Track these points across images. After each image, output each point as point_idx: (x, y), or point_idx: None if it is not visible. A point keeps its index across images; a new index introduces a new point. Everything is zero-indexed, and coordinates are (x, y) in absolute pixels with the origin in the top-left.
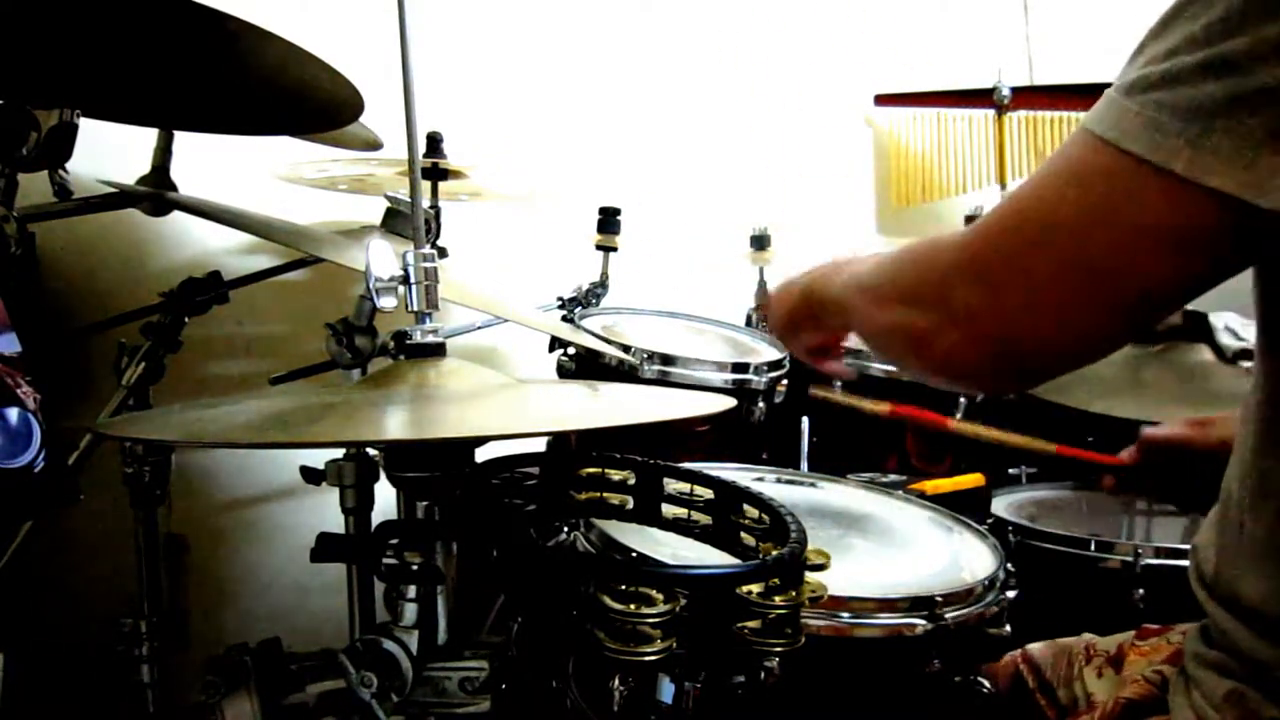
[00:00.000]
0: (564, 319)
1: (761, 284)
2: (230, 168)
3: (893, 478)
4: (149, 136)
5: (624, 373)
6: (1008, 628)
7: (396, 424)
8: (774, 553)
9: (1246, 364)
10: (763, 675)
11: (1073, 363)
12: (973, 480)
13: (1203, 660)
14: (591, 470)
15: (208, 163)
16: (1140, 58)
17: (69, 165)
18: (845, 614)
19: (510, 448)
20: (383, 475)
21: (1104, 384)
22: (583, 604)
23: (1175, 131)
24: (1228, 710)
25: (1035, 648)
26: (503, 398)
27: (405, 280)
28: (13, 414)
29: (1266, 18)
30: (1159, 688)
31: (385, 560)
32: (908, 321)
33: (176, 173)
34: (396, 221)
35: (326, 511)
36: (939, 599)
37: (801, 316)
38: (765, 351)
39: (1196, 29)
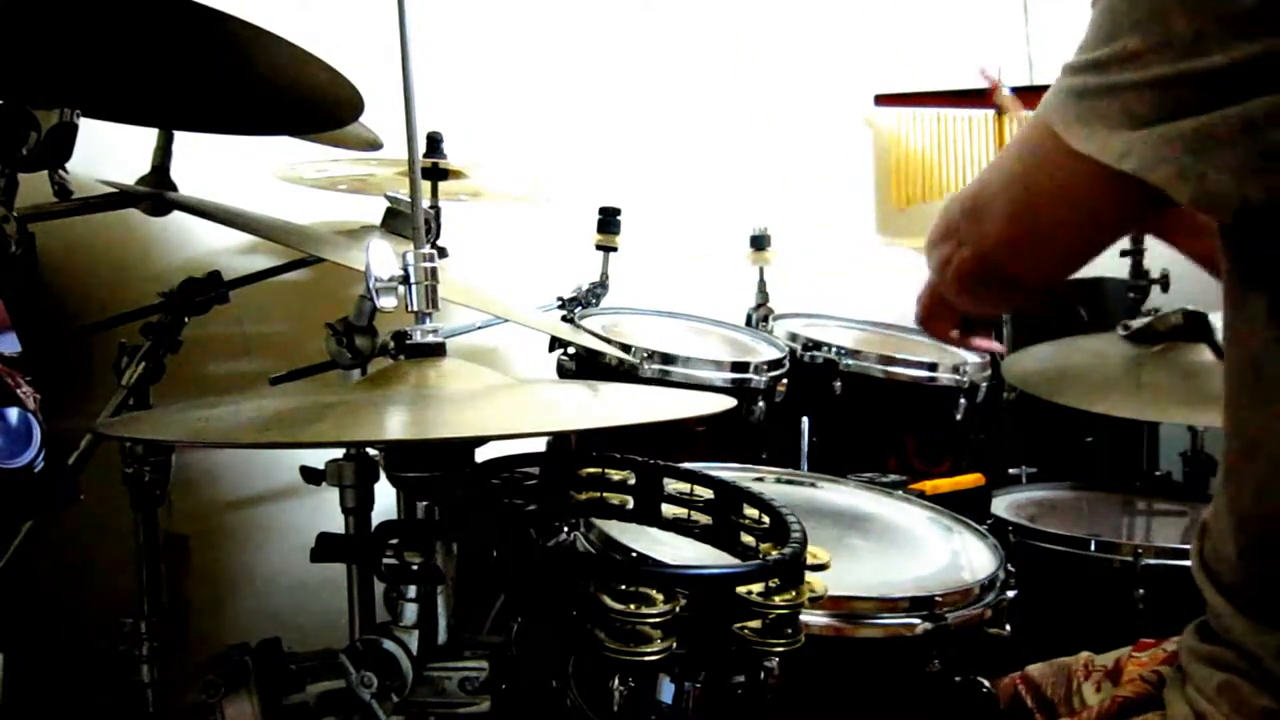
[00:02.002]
0: (564, 319)
1: (761, 284)
2: (230, 168)
3: (893, 478)
4: (149, 136)
5: (624, 373)
6: (1008, 628)
7: (396, 424)
8: (774, 553)
9: None
10: (763, 675)
11: (1039, 278)
12: (973, 480)
13: (1197, 655)
14: (591, 470)
15: (208, 163)
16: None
17: (69, 165)
18: (845, 614)
19: (510, 448)
20: (383, 475)
21: (1104, 384)
22: (583, 604)
23: (1071, 109)
24: (1220, 702)
25: (1034, 668)
26: (503, 398)
27: (405, 280)
28: (13, 414)
29: (1121, 35)
30: (1155, 686)
31: (385, 560)
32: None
33: (176, 173)
34: (396, 221)
35: (326, 511)
36: (939, 599)
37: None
38: (765, 351)
39: (1090, 32)
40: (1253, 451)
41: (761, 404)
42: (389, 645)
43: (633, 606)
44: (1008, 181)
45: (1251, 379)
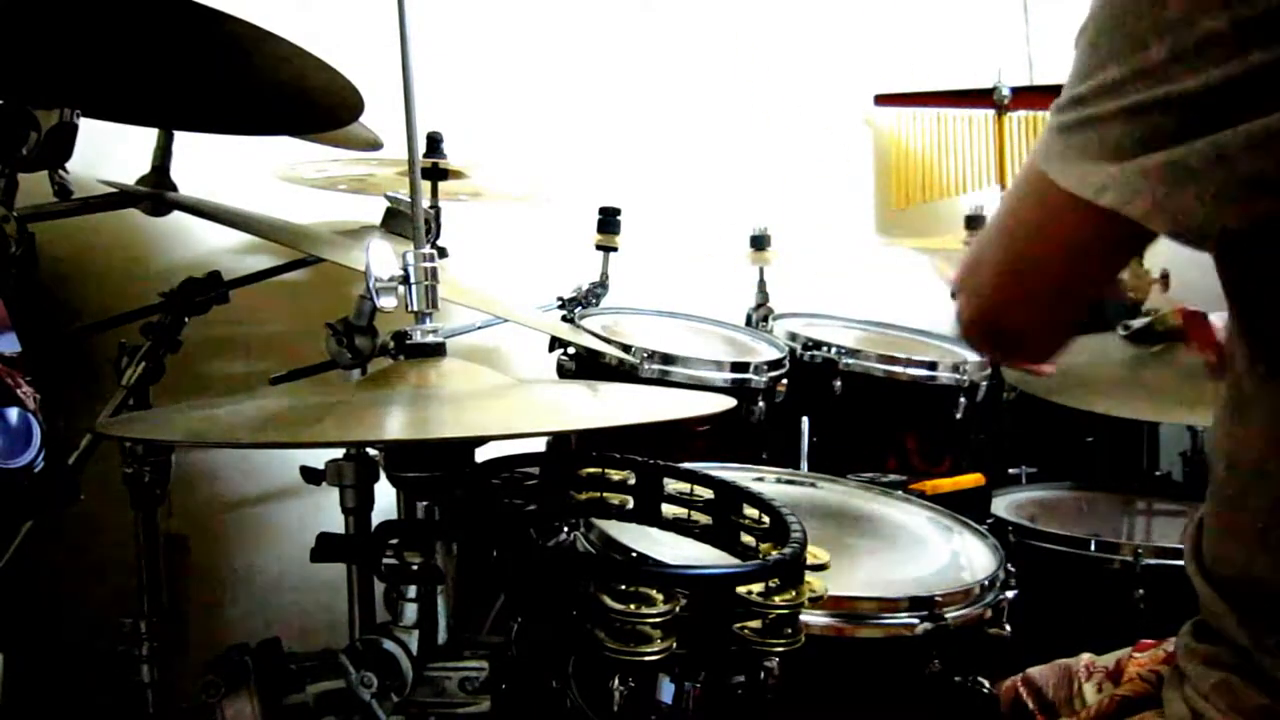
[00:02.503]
0: (564, 319)
1: (761, 284)
2: (230, 168)
3: (893, 478)
4: (149, 136)
5: (624, 373)
6: (1008, 628)
7: (396, 424)
8: (774, 553)
9: None
10: (763, 675)
11: (1032, 339)
12: (973, 480)
13: (1193, 653)
14: (591, 470)
15: (208, 163)
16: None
17: (69, 165)
18: (845, 614)
19: (510, 448)
20: (383, 475)
21: (1104, 384)
22: (583, 604)
23: (1055, 146)
24: (1217, 700)
25: (1035, 670)
26: (503, 398)
27: (405, 280)
28: (13, 414)
29: (1102, 68)
30: (1153, 685)
31: (385, 560)
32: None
33: (176, 173)
34: (396, 221)
35: (326, 511)
36: (939, 599)
37: None
38: (765, 351)
39: (1073, 69)
40: (1235, 461)
41: (761, 404)
42: (389, 645)
43: (633, 606)
44: (1000, 227)
45: (1235, 395)
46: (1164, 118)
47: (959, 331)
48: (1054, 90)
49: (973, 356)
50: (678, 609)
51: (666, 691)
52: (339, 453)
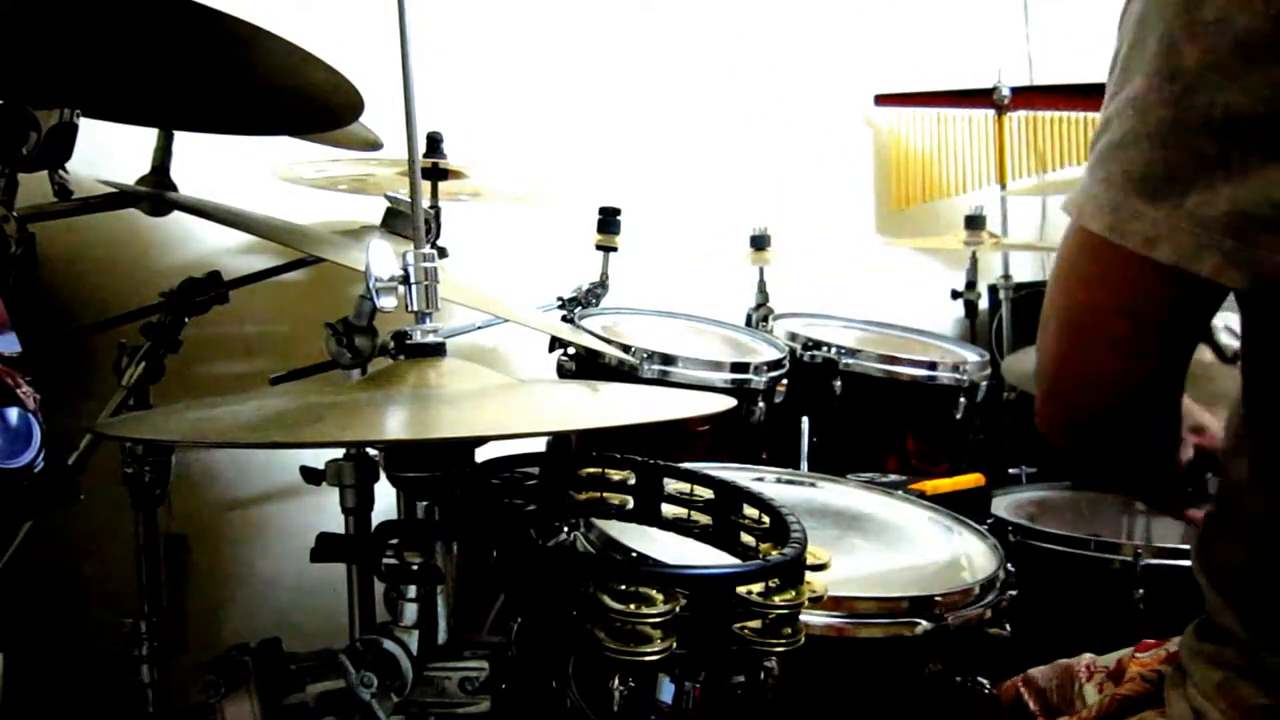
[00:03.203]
0: (564, 319)
1: (761, 284)
2: (230, 168)
3: (893, 478)
4: (149, 136)
5: (624, 373)
6: (1008, 628)
7: (396, 424)
8: (774, 553)
9: None
10: (763, 675)
11: (1102, 411)
12: (973, 480)
13: (1196, 653)
14: (591, 470)
15: (208, 163)
16: None
17: (69, 165)
18: (845, 614)
19: (510, 448)
20: (383, 475)
21: None
22: (583, 604)
23: (1084, 190)
24: (1219, 699)
25: (1036, 671)
26: (503, 398)
27: (405, 280)
28: (13, 414)
29: (1124, 82)
30: (1154, 684)
31: (385, 560)
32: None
33: (176, 173)
34: (396, 221)
35: (326, 511)
36: (939, 599)
37: None
38: (765, 351)
39: (1106, 97)
40: (1243, 459)
41: (761, 404)
42: (389, 645)
43: (633, 606)
44: (1054, 290)
45: (1251, 396)
46: (1204, 140)
47: (1045, 431)
48: (1054, 90)
49: (973, 356)
50: (678, 609)
51: (666, 691)
52: (339, 453)
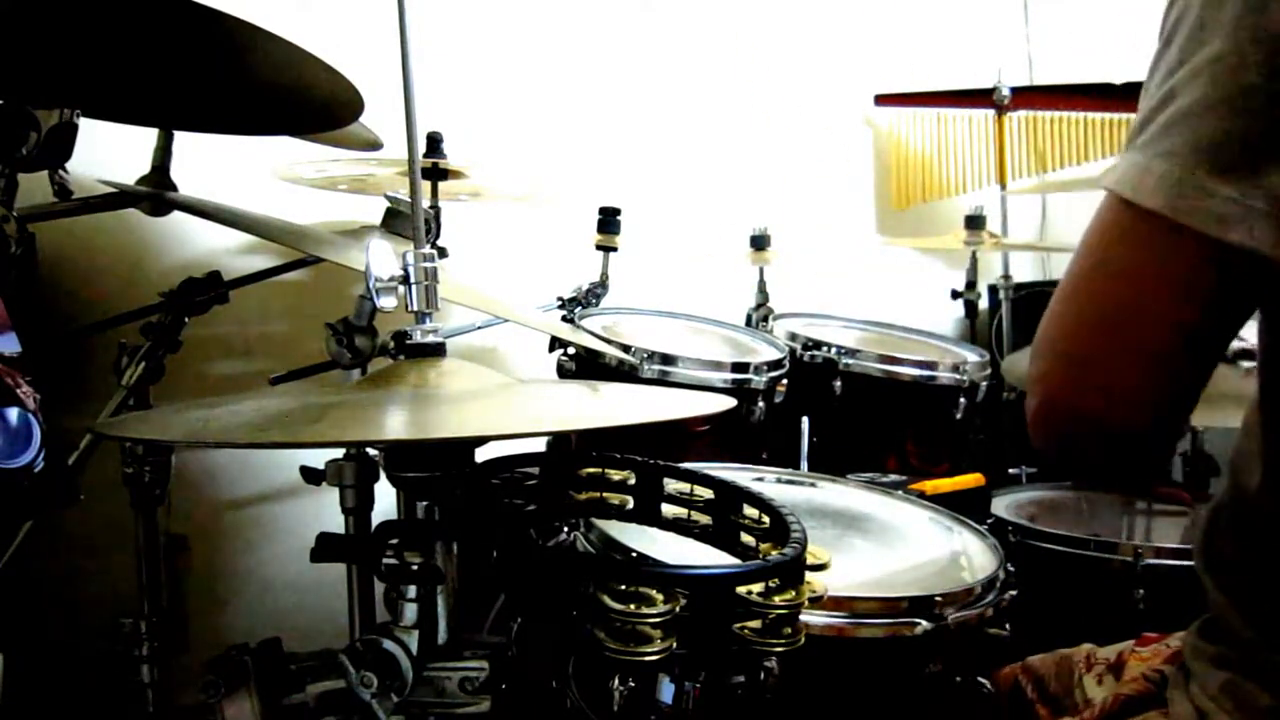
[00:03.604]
0: (564, 319)
1: (761, 284)
2: (230, 168)
3: (893, 478)
4: (149, 136)
5: (624, 373)
6: (1008, 628)
7: (396, 424)
8: (774, 553)
9: (1247, 364)
10: (763, 675)
11: (1118, 428)
12: (973, 480)
13: (1200, 653)
14: (591, 470)
15: (208, 163)
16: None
17: (69, 165)
18: (845, 614)
19: (510, 448)
20: (383, 475)
21: None
22: (583, 604)
23: (1136, 165)
24: (1223, 700)
25: (1035, 659)
26: (503, 398)
27: (405, 280)
28: (13, 414)
29: (1196, 47)
30: (1157, 685)
31: (385, 560)
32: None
33: (176, 173)
34: (396, 221)
35: (326, 511)
36: (939, 599)
37: None
38: (765, 351)
39: (1157, 77)
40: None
41: (761, 404)
42: (389, 645)
43: (633, 606)
44: (1080, 286)
45: (1271, 394)
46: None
47: (1035, 436)
48: (1054, 90)
49: (973, 356)
50: (678, 609)
51: (666, 691)
52: (339, 453)
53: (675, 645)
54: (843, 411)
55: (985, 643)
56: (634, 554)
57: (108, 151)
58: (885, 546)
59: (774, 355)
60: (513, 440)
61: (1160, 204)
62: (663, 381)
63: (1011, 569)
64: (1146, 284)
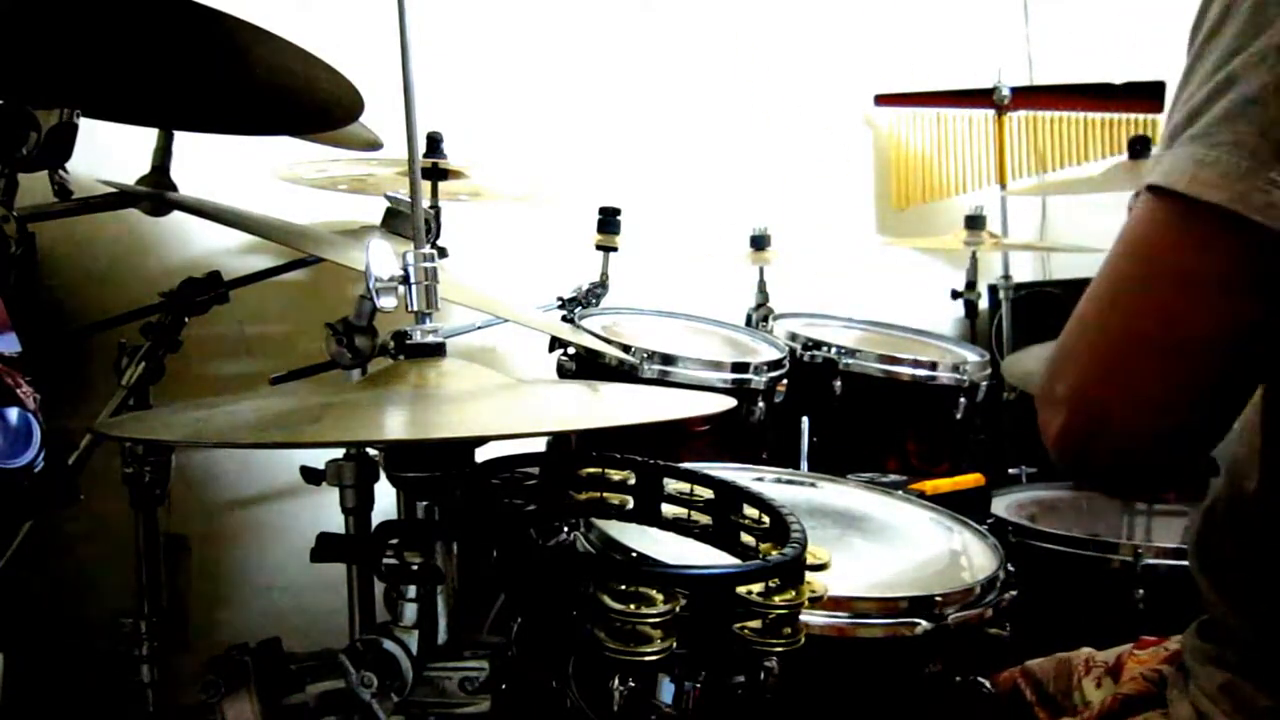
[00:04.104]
0: (564, 319)
1: (761, 284)
2: (230, 168)
3: (893, 478)
4: (149, 136)
5: (624, 373)
6: (1008, 628)
7: (396, 424)
8: (774, 553)
9: None
10: (763, 675)
11: (1161, 444)
12: (973, 480)
13: (1199, 654)
14: (591, 470)
15: (208, 163)
16: (1173, 115)
17: (69, 165)
18: (845, 614)
19: (510, 448)
20: (383, 475)
21: None
22: (583, 604)
23: (1190, 158)
24: (1223, 701)
25: (1034, 663)
26: (503, 398)
27: (405, 280)
28: (13, 414)
29: (1256, 30)
30: (1156, 685)
31: (385, 560)
32: (1042, 419)
33: (176, 173)
34: (396, 221)
35: (326, 511)
36: (939, 599)
37: None
38: (765, 351)
39: (1207, 65)
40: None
41: (761, 404)
42: (389, 645)
43: (633, 606)
44: (1121, 296)
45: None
46: None
47: (1063, 455)
48: (1054, 90)
49: (973, 356)
50: (678, 609)
51: (666, 691)
52: (339, 453)
53: (675, 645)
54: (843, 411)
55: (985, 643)
56: (634, 554)
57: (108, 151)
58: (885, 546)
59: (774, 355)
60: (513, 440)
61: (1225, 197)
62: (663, 381)
63: (1011, 569)
64: (1204, 288)
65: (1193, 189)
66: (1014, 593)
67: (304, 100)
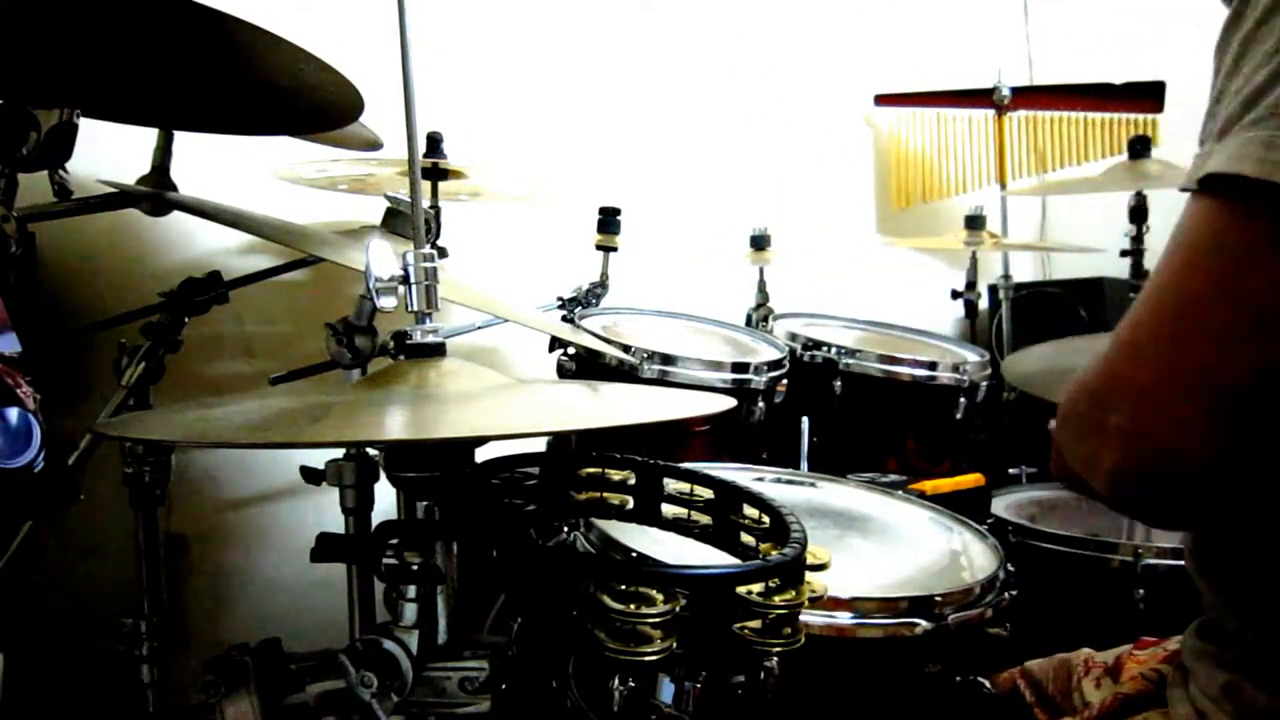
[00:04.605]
0: (564, 319)
1: (761, 284)
2: (230, 168)
3: (893, 478)
4: (149, 136)
5: (624, 373)
6: (1008, 628)
7: (396, 424)
8: (774, 553)
9: None
10: (763, 675)
11: (1237, 482)
12: (973, 480)
13: (1199, 654)
14: (591, 470)
15: (208, 163)
16: (1217, 110)
17: (69, 165)
18: (845, 614)
19: (510, 448)
20: (383, 475)
21: None
22: (583, 604)
23: (1257, 142)
24: (1225, 702)
25: (1033, 663)
26: (503, 398)
27: (405, 280)
28: (13, 414)
29: None
30: (1156, 684)
31: (385, 560)
32: (1085, 449)
33: (176, 173)
34: (396, 221)
35: (326, 511)
36: (939, 599)
37: None
38: (765, 351)
39: (1266, 47)
40: None
41: (761, 404)
42: (389, 645)
43: (633, 606)
44: (1176, 312)
45: None
46: None
47: (1109, 491)
48: (1054, 90)
49: (973, 356)
50: (678, 609)
51: (666, 691)
52: (339, 453)
53: (675, 645)
54: (843, 411)
55: (985, 643)
56: (634, 554)
57: (108, 151)
58: (885, 546)
59: (774, 355)
60: (513, 440)
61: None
62: (663, 381)
63: (1011, 569)
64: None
65: (1263, 171)
66: (1014, 593)
67: (304, 100)
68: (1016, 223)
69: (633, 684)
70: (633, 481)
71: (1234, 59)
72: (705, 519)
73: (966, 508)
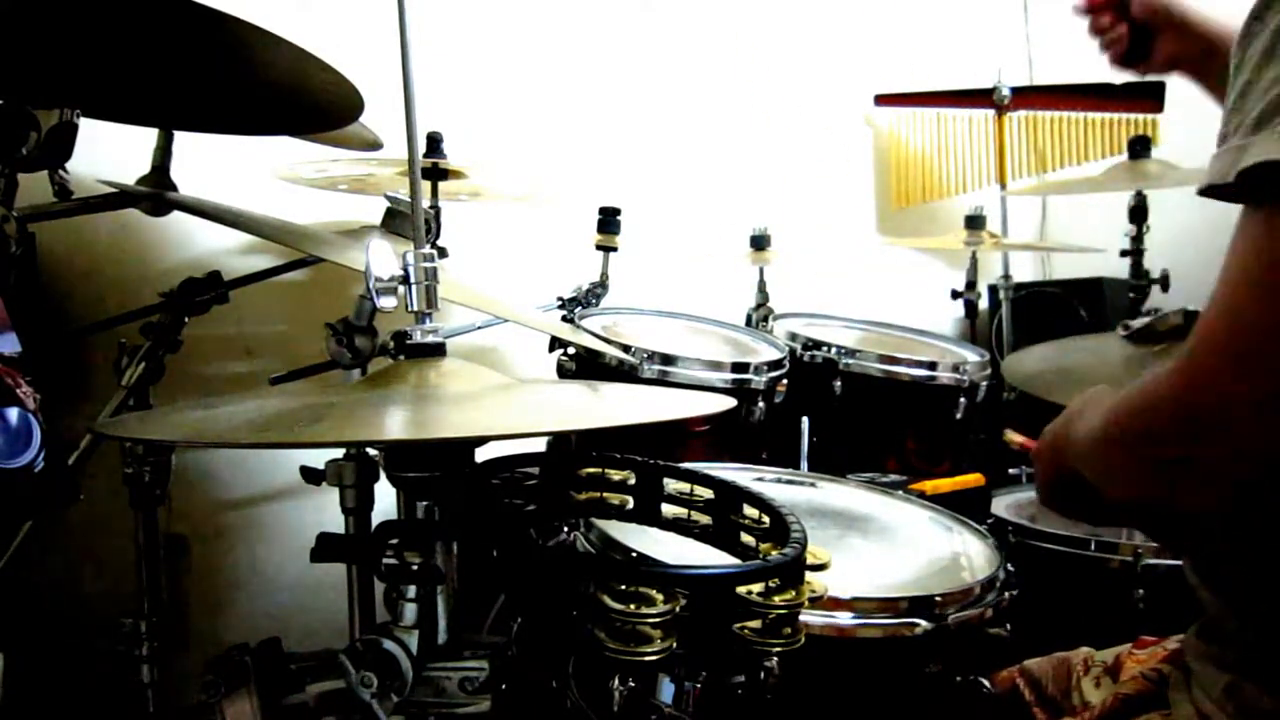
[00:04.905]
0: (564, 319)
1: (761, 284)
2: (230, 168)
3: (893, 478)
4: (149, 136)
5: (624, 373)
6: (1008, 628)
7: (396, 424)
8: (774, 553)
9: None
10: (763, 675)
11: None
12: (973, 480)
13: (1201, 655)
14: (591, 470)
15: (208, 163)
16: (1246, 106)
17: (69, 165)
18: (845, 614)
19: (510, 448)
20: (383, 475)
21: (1104, 384)
22: (583, 604)
23: None
24: (1227, 703)
25: (1033, 662)
26: (503, 398)
27: (405, 280)
28: (13, 414)
29: None
30: (1156, 684)
31: (385, 560)
32: (1155, 474)
33: (176, 173)
34: (396, 221)
35: (326, 511)
36: (939, 599)
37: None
38: (765, 351)
39: None
40: None
41: (761, 404)
42: (389, 645)
43: (633, 606)
44: (1239, 340)
45: None
46: None
47: (1229, 501)
48: (1054, 90)
49: (973, 356)
50: (678, 609)
51: (666, 691)
52: (339, 453)
53: (675, 645)
54: (843, 411)
55: (985, 643)
56: (634, 554)
57: (108, 151)
58: (885, 546)
59: (774, 355)
60: (513, 440)
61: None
62: (663, 381)
63: (1011, 569)
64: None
65: None
66: (1014, 593)
67: (304, 100)
68: (1016, 223)
69: (633, 684)
70: (633, 481)
71: (1265, 50)
72: (705, 519)
73: (966, 508)
